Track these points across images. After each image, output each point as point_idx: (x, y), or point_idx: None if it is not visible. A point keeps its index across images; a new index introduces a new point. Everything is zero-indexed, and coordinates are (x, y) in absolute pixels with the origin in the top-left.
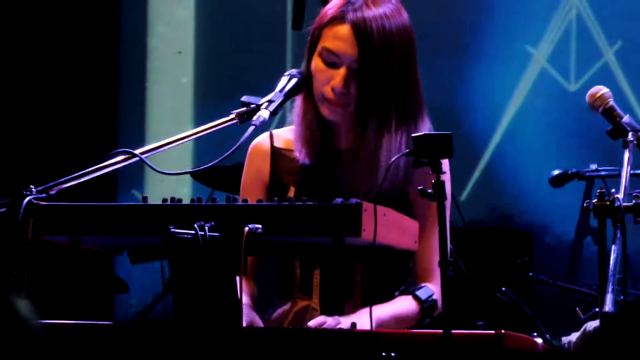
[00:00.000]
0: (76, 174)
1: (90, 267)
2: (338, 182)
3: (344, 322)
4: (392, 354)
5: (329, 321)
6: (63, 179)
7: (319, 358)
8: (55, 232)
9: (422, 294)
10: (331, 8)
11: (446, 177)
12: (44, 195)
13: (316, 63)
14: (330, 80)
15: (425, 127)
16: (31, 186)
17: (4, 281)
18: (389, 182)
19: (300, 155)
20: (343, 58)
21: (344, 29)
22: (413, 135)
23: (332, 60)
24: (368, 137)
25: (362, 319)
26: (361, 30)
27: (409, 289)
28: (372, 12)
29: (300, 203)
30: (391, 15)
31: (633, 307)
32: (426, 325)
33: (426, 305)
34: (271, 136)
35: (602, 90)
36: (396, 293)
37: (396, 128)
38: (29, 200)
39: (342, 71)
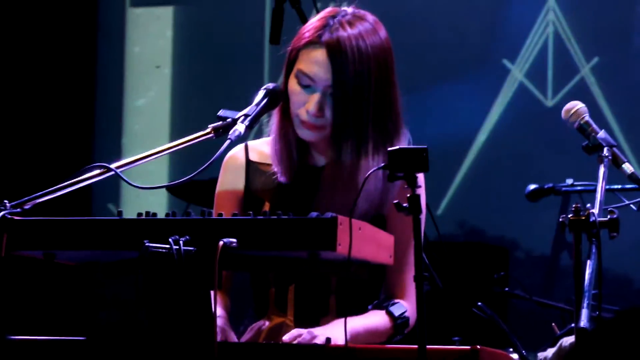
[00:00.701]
0: (51, 189)
1: (65, 282)
2: (314, 200)
3: (318, 334)
4: None
5: (303, 334)
6: (38, 194)
7: None
8: (29, 247)
9: (395, 310)
10: (308, 29)
11: (421, 191)
12: (18, 210)
13: (292, 84)
14: (306, 103)
15: (404, 143)
16: (5, 201)
17: None
18: (365, 202)
19: (277, 171)
20: (318, 82)
21: (319, 53)
22: (388, 149)
23: (307, 84)
24: (344, 160)
25: (336, 331)
26: (336, 54)
27: (382, 304)
28: (348, 33)
29: (275, 217)
30: (367, 35)
31: (608, 324)
32: (401, 340)
33: (399, 322)
34: (246, 148)
35: (578, 105)
36: (369, 307)
37: (374, 149)
38: (3, 215)
39: (316, 96)
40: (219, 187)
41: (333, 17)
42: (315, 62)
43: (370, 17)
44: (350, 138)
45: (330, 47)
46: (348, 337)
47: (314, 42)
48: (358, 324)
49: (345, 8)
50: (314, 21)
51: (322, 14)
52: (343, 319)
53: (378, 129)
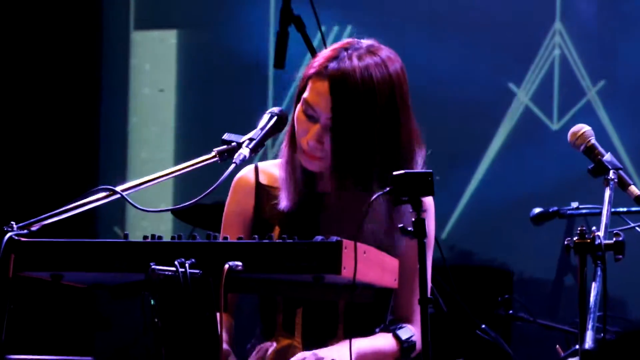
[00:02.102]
0: (58, 211)
1: (72, 303)
2: (321, 226)
3: (324, 355)
4: None
5: (308, 357)
6: (44, 216)
7: None
8: (36, 268)
9: (402, 333)
10: (319, 59)
11: (430, 216)
12: (25, 231)
13: (298, 113)
14: (307, 133)
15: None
16: (12, 222)
17: None
18: (374, 233)
19: (283, 198)
20: (320, 113)
21: (323, 84)
22: (393, 173)
23: (310, 114)
24: (346, 192)
25: (342, 353)
26: (337, 87)
27: (390, 327)
28: (353, 67)
29: (280, 240)
30: (375, 69)
31: (611, 345)
32: None
33: (405, 345)
34: (256, 170)
35: (584, 128)
36: (377, 330)
37: (380, 181)
38: (10, 237)
39: (317, 127)
40: (228, 208)
41: (346, 49)
42: (318, 94)
43: (384, 51)
44: (351, 171)
45: (333, 80)
46: (354, 358)
47: (320, 73)
48: (364, 345)
49: (364, 40)
50: (327, 51)
51: (337, 44)
52: (349, 340)
53: (386, 159)
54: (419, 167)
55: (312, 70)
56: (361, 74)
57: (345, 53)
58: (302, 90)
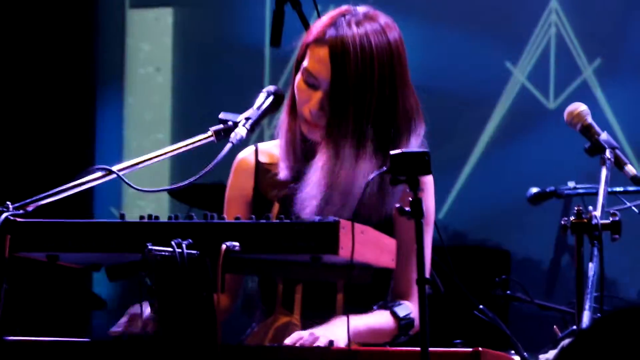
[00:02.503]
0: (54, 191)
1: (68, 283)
2: (306, 191)
3: (320, 333)
4: None
5: (305, 336)
6: (40, 196)
7: None
8: (32, 248)
9: (400, 310)
10: (317, 26)
11: (429, 195)
12: (21, 211)
13: (298, 81)
14: (309, 101)
15: (414, 146)
16: (8, 203)
17: None
18: (365, 206)
19: (281, 169)
20: (320, 80)
21: (322, 51)
22: (390, 152)
23: (311, 82)
24: (342, 161)
25: (337, 330)
26: (337, 53)
27: (387, 304)
28: (352, 33)
29: (278, 221)
30: (374, 35)
31: (605, 322)
32: (403, 343)
33: (403, 323)
34: (256, 151)
35: (580, 107)
36: (374, 307)
37: (374, 151)
38: (6, 217)
39: (318, 94)
40: (229, 190)
41: (343, 15)
42: (318, 60)
43: (382, 18)
44: (347, 138)
45: (332, 46)
46: (350, 335)
47: (319, 39)
48: (361, 323)
49: (359, 7)
50: (325, 18)
51: (335, 11)
52: (345, 318)
53: (379, 132)
54: (419, 139)
55: (311, 37)
56: (360, 40)
57: (343, 19)
58: (301, 59)
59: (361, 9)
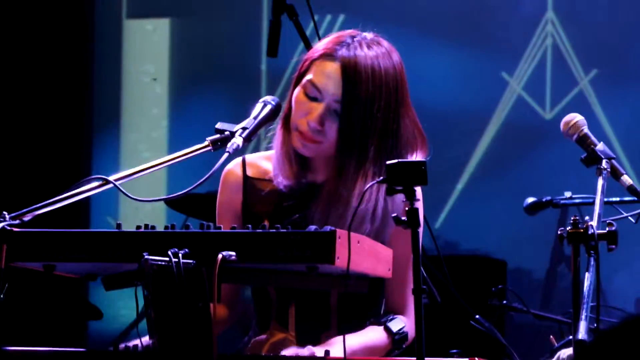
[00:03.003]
0: (50, 201)
1: (64, 293)
2: (310, 216)
3: (317, 352)
4: None
5: (301, 352)
6: (37, 206)
7: None
8: (28, 258)
9: (393, 325)
10: (326, 43)
11: (419, 205)
12: (17, 221)
13: (298, 93)
14: (307, 114)
15: None
16: (4, 212)
17: None
18: (365, 222)
19: (278, 182)
20: (325, 95)
21: (333, 66)
22: (387, 162)
23: (314, 95)
24: (345, 178)
25: (334, 349)
26: (350, 70)
27: (381, 320)
28: (365, 54)
29: (274, 230)
30: (383, 59)
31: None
32: (400, 353)
33: (397, 337)
34: (244, 163)
35: (577, 118)
36: (367, 323)
37: (374, 172)
38: (3, 227)
39: (320, 107)
40: (219, 202)
41: (352, 37)
42: (326, 75)
43: (385, 42)
44: (353, 156)
45: (346, 63)
46: (347, 354)
47: (329, 55)
48: (355, 342)
49: (365, 33)
50: (332, 37)
51: (342, 32)
52: (341, 337)
53: (380, 153)
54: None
55: (318, 53)
56: (372, 62)
57: (352, 40)
58: (303, 73)
59: (368, 35)
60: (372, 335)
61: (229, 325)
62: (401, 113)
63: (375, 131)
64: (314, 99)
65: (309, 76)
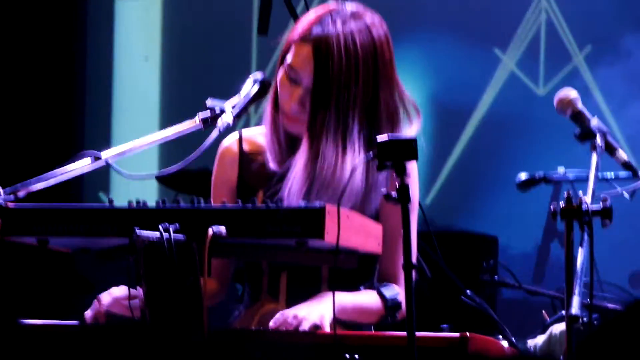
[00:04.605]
0: (43, 175)
1: (57, 267)
2: (287, 190)
3: (304, 314)
4: (356, 356)
5: (289, 319)
6: (30, 181)
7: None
8: (23, 233)
9: (386, 291)
10: (303, 23)
11: (414, 182)
12: (11, 197)
13: (281, 76)
14: (290, 96)
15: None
16: None
17: None
18: (350, 197)
19: (268, 160)
20: (302, 77)
21: (306, 49)
22: (377, 139)
23: (293, 77)
24: (324, 158)
25: (323, 308)
26: (321, 50)
27: (374, 285)
28: (337, 32)
29: (263, 205)
30: (359, 34)
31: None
32: (390, 327)
33: (390, 304)
34: (240, 139)
35: (571, 93)
36: (361, 288)
37: (360, 145)
38: None
39: (299, 90)
40: (214, 177)
41: (330, 13)
42: (301, 58)
43: (368, 16)
44: (329, 136)
45: (317, 44)
46: (336, 311)
47: (304, 38)
48: (347, 300)
49: (348, 4)
50: (311, 15)
51: (321, 8)
52: (331, 294)
53: (366, 128)
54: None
55: (296, 35)
56: (344, 39)
57: (329, 17)
58: (285, 54)
59: (349, 7)
60: (365, 297)
61: (218, 300)
62: (382, 86)
63: (355, 106)
64: (293, 81)
65: (288, 59)
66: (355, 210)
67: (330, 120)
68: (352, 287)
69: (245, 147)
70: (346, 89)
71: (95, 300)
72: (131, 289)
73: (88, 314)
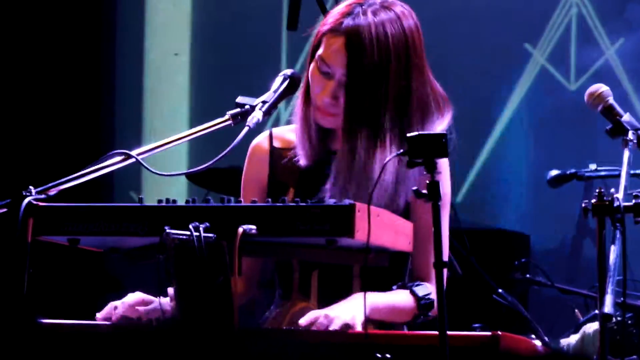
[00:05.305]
0: (74, 175)
1: (87, 266)
2: (328, 187)
3: (336, 314)
4: (387, 355)
5: (320, 319)
6: (61, 180)
7: (313, 359)
8: (54, 232)
9: (419, 290)
10: (333, 15)
11: (445, 178)
12: (43, 196)
13: (312, 69)
14: (323, 89)
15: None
16: (30, 187)
17: (4, 281)
18: (380, 191)
19: (299, 154)
20: (335, 70)
21: (338, 41)
22: (407, 135)
23: (325, 70)
24: (359, 147)
25: (355, 309)
26: (353, 44)
27: (407, 284)
28: (369, 23)
29: (294, 204)
30: (390, 25)
31: None
32: (422, 327)
33: (423, 302)
34: (271, 136)
35: (602, 88)
36: (394, 287)
37: (392, 140)
38: (29, 201)
39: (332, 83)
40: (245, 175)
41: (360, 4)
42: (333, 50)
43: (398, 6)
44: (363, 128)
45: (349, 36)
46: (369, 311)
47: (335, 30)
48: (380, 300)
49: None
50: (341, 7)
51: (352, 0)
52: (363, 294)
53: (397, 121)
54: (440, 127)
55: (326, 27)
56: (376, 30)
57: (360, 8)
58: (316, 47)
59: None
60: (398, 296)
61: (245, 299)
62: (414, 77)
63: (387, 99)
64: (326, 74)
65: (320, 51)
66: (384, 206)
67: (364, 114)
68: (384, 285)
69: (276, 144)
70: (379, 81)
71: (111, 305)
72: (148, 296)
73: (100, 316)
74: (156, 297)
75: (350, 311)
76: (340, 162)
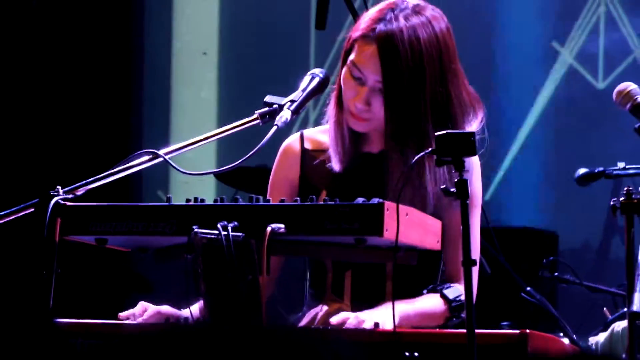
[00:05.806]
0: (102, 175)
1: (115, 266)
2: (368, 186)
3: (366, 317)
4: (415, 354)
5: (350, 318)
6: (89, 180)
7: (342, 357)
8: (81, 232)
9: (450, 293)
10: (365, 21)
11: (475, 178)
12: (70, 195)
13: (345, 74)
14: (355, 95)
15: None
16: (58, 187)
17: (32, 281)
18: (432, 197)
19: (332, 158)
20: (367, 76)
21: (370, 48)
22: (435, 134)
23: (357, 76)
24: (409, 152)
25: (384, 315)
26: (387, 48)
27: (437, 287)
28: (401, 28)
29: (322, 203)
30: (422, 29)
31: None
32: (451, 325)
33: (454, 305)
34: (302, 138)
35: (630, 87)
36: (424, 291)
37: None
38: (56, 201)
39: (365, 89)
40: (274, 175)
41: (392, 9)
42: (366, 56)
43: (429, 9)
44: (410, 135)
45: (381, 43)
46: (398, 320)
47: (367, 35)
48: (410, 307)
49: (408, 1)
50: (373, 12)
51: (383, 4)
52: (392, 302)
53: (437, 123)
54: (475, 127)
55: (358, 33)
56: (408, 35)
57: (392, 14)
58: (348, 52)
59: (411, 1)
60: (427, 302)
61: (268, 296)
62: (449, 80)
63: (425, 103)
64: (358, 80)
65: (352, 56)
66: (420, 206)
67: (406, 120)
68: (417, 286)
69: (307, 145)
70: (416, 86)
71: (136, 310)
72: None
73: (123, 315)
74: (184, 297)
75: (381, 315)
76: (389, 163)
